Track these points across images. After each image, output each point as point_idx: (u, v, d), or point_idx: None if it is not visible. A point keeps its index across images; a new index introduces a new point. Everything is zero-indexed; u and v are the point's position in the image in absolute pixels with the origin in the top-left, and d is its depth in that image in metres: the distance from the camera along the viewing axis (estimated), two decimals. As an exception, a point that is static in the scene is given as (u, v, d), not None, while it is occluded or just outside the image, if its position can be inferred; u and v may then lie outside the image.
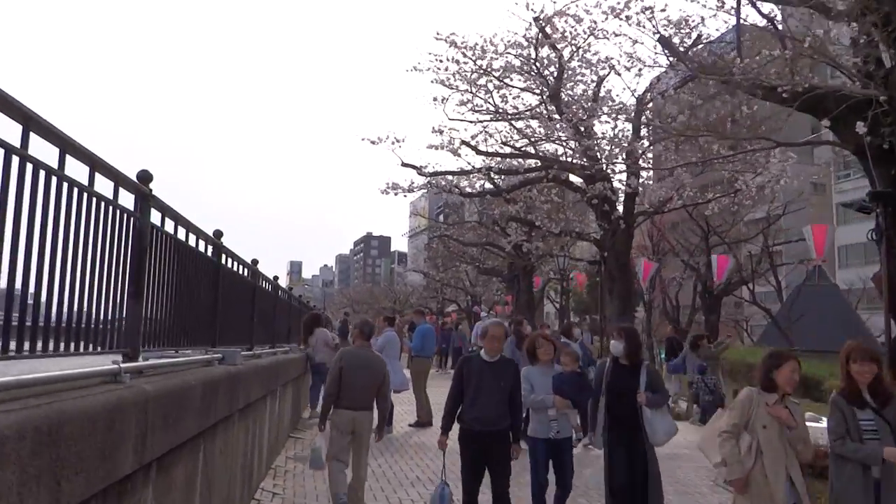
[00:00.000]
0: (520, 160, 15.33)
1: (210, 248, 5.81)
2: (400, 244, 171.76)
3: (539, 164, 15.35)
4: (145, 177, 3.84)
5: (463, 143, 14.55)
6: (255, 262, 8.12)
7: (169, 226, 4.48)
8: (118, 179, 3.45)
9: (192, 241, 5.11)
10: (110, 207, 3.35)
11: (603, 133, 15.01)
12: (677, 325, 36.75)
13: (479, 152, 14.65)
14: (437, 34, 13.97)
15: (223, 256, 6.16)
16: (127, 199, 3.66)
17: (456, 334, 20.36)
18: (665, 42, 9.65)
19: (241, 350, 6.97)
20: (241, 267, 7.22)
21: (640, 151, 14.35)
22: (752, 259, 28.92)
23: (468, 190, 16.01)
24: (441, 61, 14.23)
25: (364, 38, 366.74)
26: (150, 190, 3.87)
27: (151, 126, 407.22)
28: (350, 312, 45.70)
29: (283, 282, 12.99)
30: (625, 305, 14.83)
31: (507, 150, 15.05)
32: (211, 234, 5.80)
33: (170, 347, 4.56)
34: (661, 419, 5.67)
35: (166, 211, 4.32)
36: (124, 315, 3.65)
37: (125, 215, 3.55)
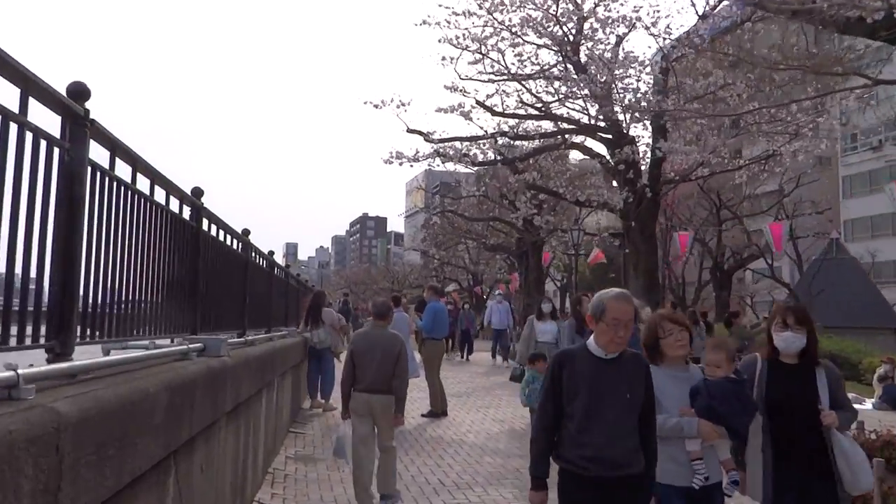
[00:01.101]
0: (536, 124, 14.08)
1: (187, 211, 4.62)
2: (396, 224, 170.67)
3: (556, 128, 14.10)
4: (78, 91, 2.62)
5: (477, 103, 13.30)
6: (246, 231, 6.92)
7: (123, 171, 3.27)
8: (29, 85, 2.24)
9: (160, 196, 3.91)
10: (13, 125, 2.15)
11: (625, 94, 13.76)
12: (680, 303, 35.95)
13: (494, 113, 13.40)
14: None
15: (204, 222, 4.96)
16: (51, 122, 2.47)
17: (464, 314, 19.18)
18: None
19: (230, 337, 5.82)
20: (229, 237, 6.02)
21: (667, 115, 13.10)
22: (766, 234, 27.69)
23: (480, 158, 14.77)
24: (454, 13, 12.93)
25: None
26: (87, 111, 2.66)
27: (137, 101, 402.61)
28: (349, 293, 44.63)
29: (280, 264, 11.94)
30: (651, 282, 13.70)
31: (524, 111, 13.76)
32: (189, 192, 4.61)
33: (127, 338, 3.38)
34: (855, 451, 3.58)
35: (116, 148, 3.10)
36: (48, 291, 2.47)
37: (45, 143, 2.35)
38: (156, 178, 3.78)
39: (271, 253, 9.06)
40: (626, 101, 13.11)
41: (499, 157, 15.85)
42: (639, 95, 13.48)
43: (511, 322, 17.75)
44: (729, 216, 32.19)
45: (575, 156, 19.11)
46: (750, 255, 32.40)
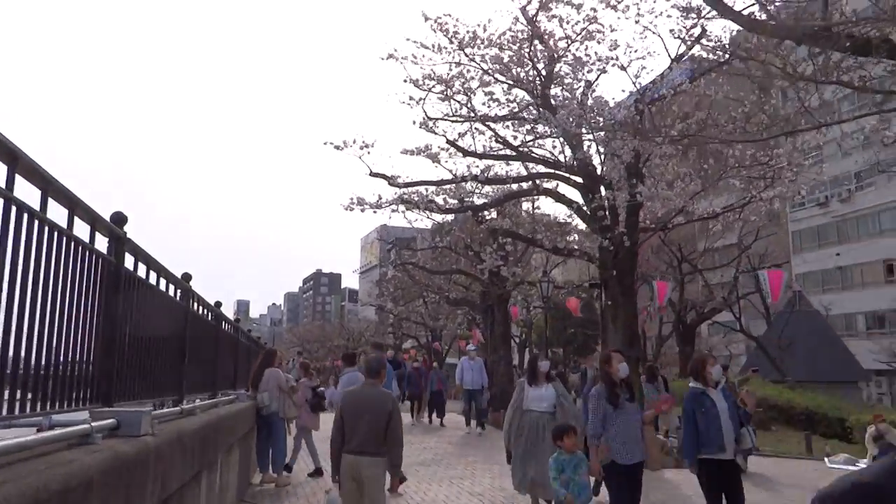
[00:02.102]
0: (507, 167, 13.31)
1: (103, 242, 3.54)
2: (351, 281, 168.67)
3: (528, 172, 13.37)
4: None
5: (448, 142, 12.47)
6: (186, 277, 5.80)
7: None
8: None
9: (55, 213, 2.83)
10: None
11: (596, 143, 13.18)
12: (642, 358, 35.31)
13: (466, 153, 12.55)
14: (424, 14, 11.93)
15: (128, 258, 3.87)
16: None
17: (435, 373, 17.90)
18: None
19: (164, 405, 4.66)
20: (163, 280, 4.90)
21: (642, 161, 12.50)
22: (736, 285, 27.45)
23: (447, 205, 13.88)
24: (422, 46, 12.19)
25: (325, 38, 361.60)
26: None
27: (77, 143, 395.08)
28: (303, 351, 42.81)
29: None
30: (631, 335, 12.83)
31: (498, 151, 12.98)
32: (108, 218, 3.54)
33: (9, 416, 2.26)
34: None
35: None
36: None
37: None
38: (49, 188, 2.72)
39: (218, 304, 7.90)
40: (597, 137, 12.48)
41: (466, 205, 14.99)
42: (613, 128, 12.86)
43: (486, 381, 16.21)
44: (689, 269, 32.06)
45: (550, 205, 18.45)
46: (712, 308, 32.15)
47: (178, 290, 5.59)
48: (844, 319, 47.22)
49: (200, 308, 6.76)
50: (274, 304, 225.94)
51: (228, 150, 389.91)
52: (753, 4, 7.04)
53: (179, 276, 5.71)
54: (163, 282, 4.94)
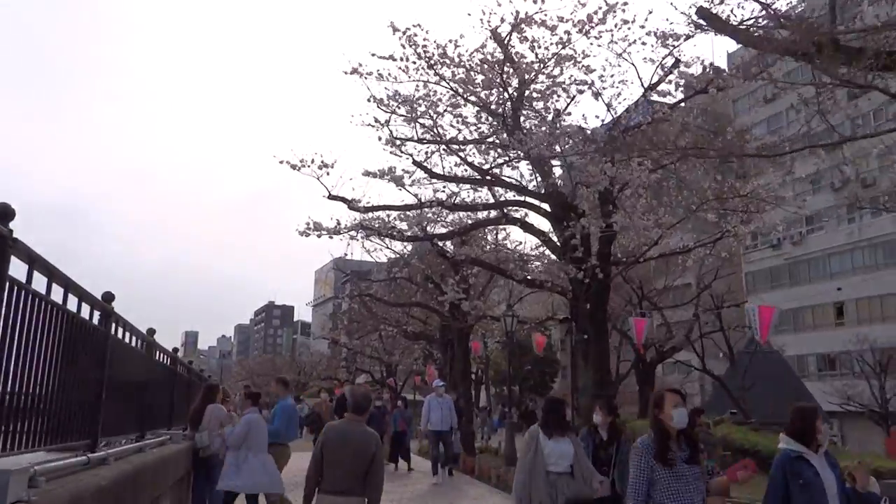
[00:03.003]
0: (475, 194, 12.63)
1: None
2: (304, 314, 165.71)
3: (496, 200, 12.73)
4: None
5: (415, 163, 11.73)
6: (107, 297, 4.87)
7: None
8: None
9: None
10: None
11: (567, 170, 12.63)
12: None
13: (433, 175, 11.83)
14: (393, 26, 11.24)
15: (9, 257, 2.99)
16: None
17: (399, 413, 16.46)
18: (705, 13, 7.24)
19: (68, 456, 3.72)
20: (73, 298, 4.00)
21: (617, 190, 11.98)
22: (699, 323, 27.18)
23: (409, 233, 13.08)
24: (391, 59, 11.48)
25: (281, 50, 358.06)
26: None
27: (35, 178, 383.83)
28: (250, 385, 41.12)
29: (179, 354, 9.56)
30: (602, 374, 12.14)
31: (467, 175, 12.28)
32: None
33: None
34: None
35: None
36: None
37: None
38: None
39: (151, 331, 6.92)
40: (568, 163, 11.93)
41: (426, 234, 14.20)
42: (584, 159, 12.34)
43: (455, 422, 14.35)
44: (648, 307, 31.81)
45: (518, 236, 17.86)
46: (671, 347, 31.86)
47: (93, 311, 4.67)
48: (797, 361, 47.63)
49: (128, 335, 5.81)
50: (224, 335, 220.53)
51: (179, 173, 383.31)
52: (753, 19, 6.55)
53: (100, 296, 4.81)
54: (72, 299, 4.04)
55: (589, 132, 12.49)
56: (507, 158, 11.55)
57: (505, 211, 13.24)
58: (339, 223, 13.09)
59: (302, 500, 5.35)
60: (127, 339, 5.79)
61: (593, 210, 11.99)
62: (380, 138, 11.75)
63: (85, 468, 3.76)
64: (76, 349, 4.13)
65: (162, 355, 7.81)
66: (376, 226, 13.22)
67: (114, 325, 5.15)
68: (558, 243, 12.37)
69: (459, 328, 19.27)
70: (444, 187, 12.24)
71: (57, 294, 3.81)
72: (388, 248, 20.76)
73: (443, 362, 22.45)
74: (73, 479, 3.26)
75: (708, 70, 11.21)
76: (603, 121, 12.63)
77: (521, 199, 12.67)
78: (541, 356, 44.43)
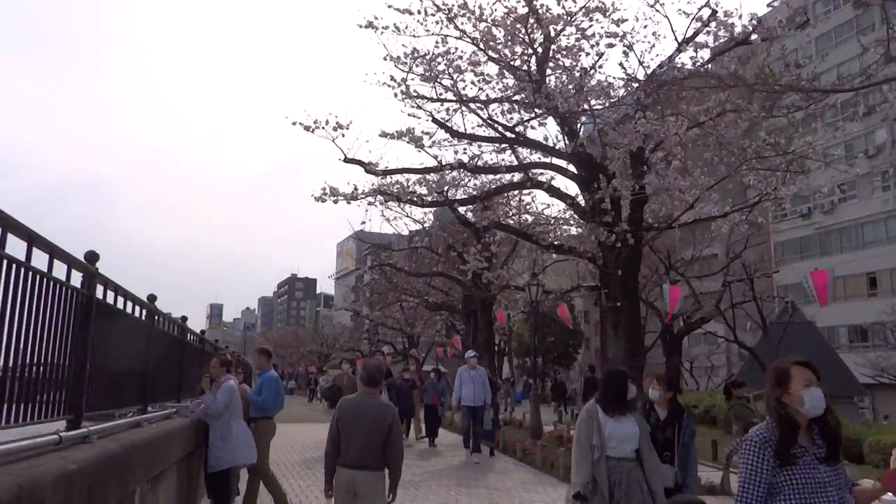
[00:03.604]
0: (499, 157, 11.96)
1: None
2: (326, 286, 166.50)
3: (519, 162, 12.07)
4: None
5: (434, 121, 11.09)
6: (91, 256, 4.36)
7: None
8: None
9: None
10: None
11: (597, 127, 11.90)
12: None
13: (454, 134, 11.18)
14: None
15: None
16: None
17: (431, 385, 15.25)
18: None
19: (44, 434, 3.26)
20: (43, 255, 3.50)
21: (650, 149, 11.25)
22: (730, 293, 26.37)
23: (429, 198, 12.47)
24: (407, 12, 10.77)
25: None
26: None
27: (59, 148, 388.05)
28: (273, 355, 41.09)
29: (202, 325, 9.18)
30: (634, 344, 11.54)
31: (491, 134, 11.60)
32: None
33: None
34: None
35: None
36: None
37: None
38: None
39: (152, 298, 6.43)
40: (598, 120, 11.23)
41: (446, 199, 13.58)
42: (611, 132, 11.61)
43: (489, 397, 13.01)
44: (676, 278, 31.01)
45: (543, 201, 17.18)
46: (700, 318, 31.08)
47: (82, 274, 4.17)
48: (828, 332, 46.57)
49: (122, 300, 5.32)
50: (248, 308, 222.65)
51: (198, 150, 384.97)
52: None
53: (82, 256, 4.30)
54: (42, 256, 3.52)
55: (620, 88, 11.74)
56: (532, 115, 10.83)
57: (530, 174, 12.58)
58: (356, 189, 12.55)
59: (324, 477, 5.30)
60: (121, 305, 5.31)
61: (624, 171, 11.29)
62: (396, 95, 11.10)
63: (55, 449, 3.27)
64: (48, 313, 3.62)
65: (167, 324, 7.34)
66: (395, 191, 12.64)
67: (101, 287, 4.66)
68: (586, 208, 11.70)
69: (482, 298, 18.75)
70: (466, 149, 11.62)
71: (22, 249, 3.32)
72: (408, 216, 20.25)
73: (466, 333, 21.98)
74: (28, 465, 2.76)
75: (751, 20, 10.38)
76: (634, 77, 11.84)
77: (547, 160, 12.00)
78: (561, 327, 43.81)
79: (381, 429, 5.13)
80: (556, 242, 12.09)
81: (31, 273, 3.36)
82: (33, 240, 3.42)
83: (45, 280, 3.55)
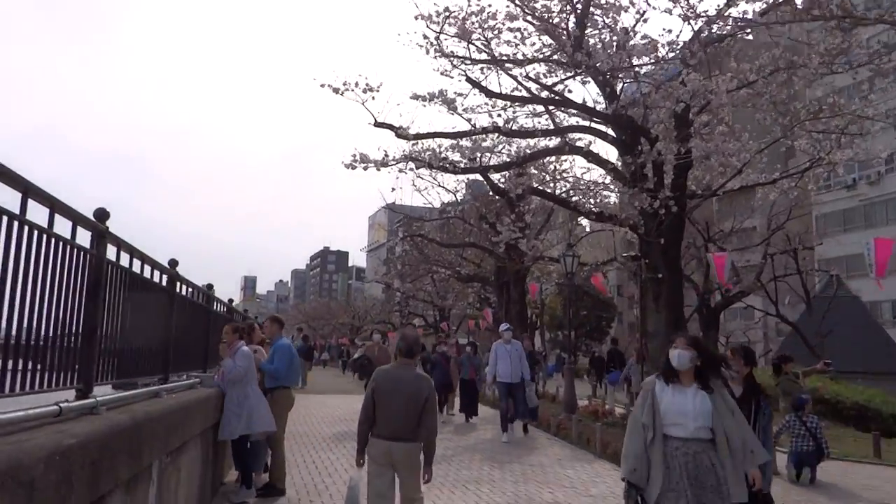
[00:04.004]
0: (535, 120, 11.43)
1: None
2: (358, 259, 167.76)
3: (556, 126, 11.52)
4: None
5: (468, 80, 10.60)
6: (101, 214, 4.04)
7: None
8: None
9: None
10: None
11: (640, 86, 11.27)
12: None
13: (489, 94, 10.68)
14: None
15: None
16: None
17: (467, 359, 14.67)
18: None
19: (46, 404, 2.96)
20: (43, 210, 3.18)
21: (697, 111, 10.62)
22: (773, 266, 25.51)
23: (462, 164, 12.02)
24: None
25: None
26: None
27: (98, 121, 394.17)
28: (304, 328, 41.28)
29: (237, 298, 8.89)
30: (676, 317, 11.04)
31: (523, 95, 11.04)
32: None
33: None
34: None
35: None
36: None
37: None
38: None
39: (174, 263, 6.14)
40: (641, 80, 10.61)
41: (480, 165, 13.07)
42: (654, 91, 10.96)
43: (528, 372, 12.13)
44: (715, 250, 30.14)
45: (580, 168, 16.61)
46: (739, 291, 30.24)
47: (86, 232, 3.86)
48: (870, 307, 45.24)
49: (140, 263, 5.02)
50: (281, 280, 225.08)
51: (235, 125, 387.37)
52: None
53: (92, 215, 3.98)
54: (41, 211, 3.20)
55: (664, 47, 11.07)
56: (571, 74, 10.26)
57: (567, 139, 12.04)
58: (386, 155, 12.15)
59: (357, 447, 5.21)
60: (138, 269, 5.01)
61: (667, 135, 10.70)
62: (428, 51, 10.60)
63: (55, 421, 2.97)
64: (50, 273, 3.31)
65: (191, 290, 7.07)
66: (427, 157, 12.19)
67: (115, 249, 4.36)
68: (627, 174, 11.13)
69: (516, 270, 18.32)
70: (500, 114, 11.10)
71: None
72: (440, 185, 19.81)
73: (498, 306, 21.60)
74: (17, 440, 2.44)
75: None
76: (677, 38, 11.15)
77: (586, 124, 11.44)
78: (601, 299, 43.15)
79: (418, 401, 5.08)
80: (595, 210, 11.54)
81: (26, 227, 3.03)
82: (29, 191, 3.10)
83: (44, 237, 3.23)
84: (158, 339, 5.75)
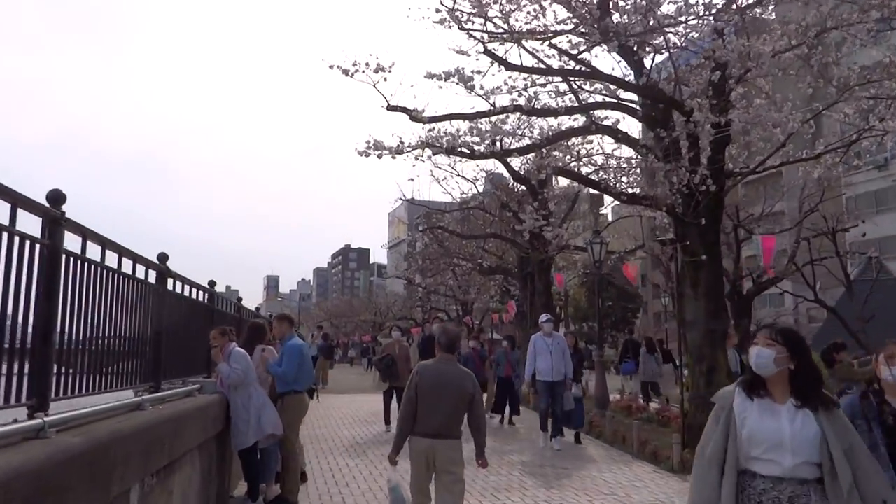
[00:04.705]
0: (558, 96, 10.63)
1: None
2: (379, 256, 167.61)
3: (580, 103, 10.74)
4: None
5: (486, 52, 9.82)
6: (55, 196, 3.38)
7: None
8: None
9: None
10: None
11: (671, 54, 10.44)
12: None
13: (508, 66, 9.90)
14: None
15: None
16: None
17: (503, 355, 13.64)
18: None
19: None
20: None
21: (734, 79, 9.79)
22: (810, 249, 24.42)
23: (481, 148, 11.28)
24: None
25: None
26: None
27: (118, 124, 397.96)
28: (325, 325, 40.81)
29: (259, 298, 8.26)
30: (716, 305, 10.24)
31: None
32: None
33: None
34: None
35: None
36: None
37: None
38: None
39: (163, 257, 5.49)
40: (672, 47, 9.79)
41: (501, 150, 12.27)
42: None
43: (571, 370, 10.88)
44: (745, 236, 29.14)
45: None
46: (770, 278, 29.20)
47: (44, 221, 3.22)
48: (906, 290, 43.83)
49: (120, 258, 4.36)
50: (304, 279, 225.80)
51: (254, 123, 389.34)
52: None
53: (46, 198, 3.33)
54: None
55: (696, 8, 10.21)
56: (597, 42, 9.45)
57: (593, 118, 11.24)
58: (401, 141, 11.42)
59: (394, 442, 5.07)
60: (115, 265, 4.36)
61: (702, 108, 9.86)
62: (443, 22, 9.82)
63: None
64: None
65: (188, 288, 6.43)
66: (444, 142, 11.45)
67: (81, 237, 3.71)
68: (658, 151, 10.30)
69: (540, 259, 17.54)
70: (521, 93, 10.33)
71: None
72: (459, 175, 19.09)
73: (522, 298, 20.85)
74: None
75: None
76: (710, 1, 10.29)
77: (613, 100, 10.63)
78: (626, 289, 42.15)
79: (464, 397, 4.98)
80: (626, 191, 10.73)
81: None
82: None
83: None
84: (145, 343, 5.11)
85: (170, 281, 5.63)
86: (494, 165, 18.89)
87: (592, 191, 18.70)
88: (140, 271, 4.92)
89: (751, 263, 30.81)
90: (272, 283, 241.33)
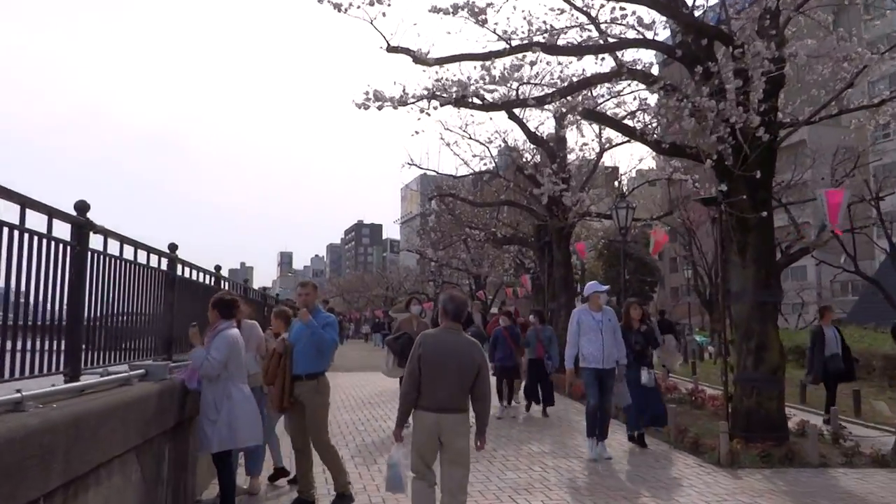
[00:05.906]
0: (583, 32, 9.23)
1: None
2: (392, 231, 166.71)
3: (604, 40, 9.33)
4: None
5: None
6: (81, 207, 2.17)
7: None
8: None
9: None
10: None
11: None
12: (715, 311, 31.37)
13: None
14: None
15: None
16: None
17: (534, 333, 11.53)
18: None
19: None
20: None
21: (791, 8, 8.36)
22: (850, 217, 22.92)
23: (495, 95, 9.94)
24: None
25: None
26: None
27: (135, 104, 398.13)
28: (334, 301, 39.78)
29: (274, 274, 7.20)
30: (767, 273, 8.91)
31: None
32: None
33: None
34: None
35: None
36: None
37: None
38: None
39: (82, 207, 4.23)
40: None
41: (518, 99, 10.85)
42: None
43: (623, 355, 8.22)
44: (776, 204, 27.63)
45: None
46: (800, 249, 27.72)
47: None
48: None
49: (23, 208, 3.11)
50: (317, 255, 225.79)
51: (268, 99, 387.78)
52: None
53: None
54: None
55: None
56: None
57: (621, 60, 9.85)
58: (404, 91, 10.08)
59: (396, 419, 4.90)
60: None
61: (750, 42, 8.44)
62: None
63: None
64: None
65: (129, 248, 5.16)
66: (453, 92, 10.08)
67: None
68: (699, 96, 8.88)
69: (559, 227, 16.20)
70: (540, 29, 8.91)
71: None
72: (471, 138, 17.70)
73: (539, 270, 19.55)
74: None
75: None
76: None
77: (641, 38, 9.19)
78: (645, 261, 40.69)
79: (471, 368, 4.68)
80: (665, 142, 9.30)
81: None
82: None
83: None
84: (58, 318, 3.88)
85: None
86: (509, 128, 17.53)
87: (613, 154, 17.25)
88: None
89: (779, 234, 29.38)
90: (286, 260, 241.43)
